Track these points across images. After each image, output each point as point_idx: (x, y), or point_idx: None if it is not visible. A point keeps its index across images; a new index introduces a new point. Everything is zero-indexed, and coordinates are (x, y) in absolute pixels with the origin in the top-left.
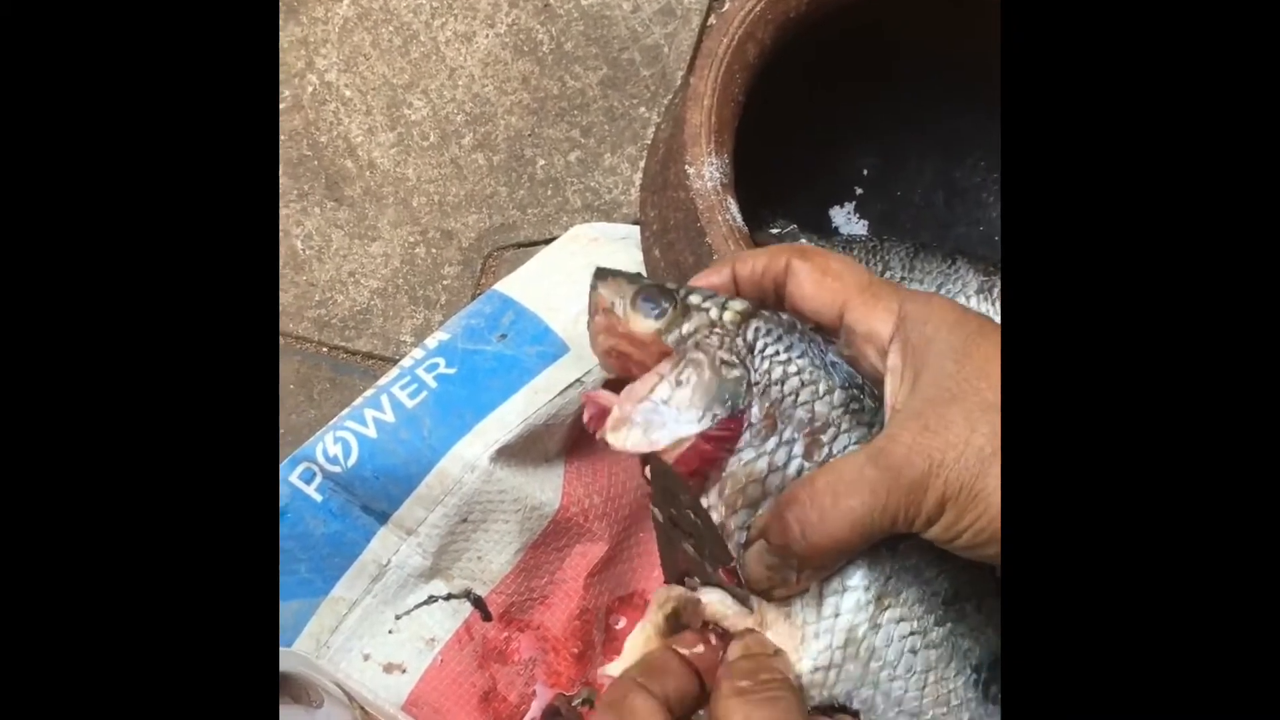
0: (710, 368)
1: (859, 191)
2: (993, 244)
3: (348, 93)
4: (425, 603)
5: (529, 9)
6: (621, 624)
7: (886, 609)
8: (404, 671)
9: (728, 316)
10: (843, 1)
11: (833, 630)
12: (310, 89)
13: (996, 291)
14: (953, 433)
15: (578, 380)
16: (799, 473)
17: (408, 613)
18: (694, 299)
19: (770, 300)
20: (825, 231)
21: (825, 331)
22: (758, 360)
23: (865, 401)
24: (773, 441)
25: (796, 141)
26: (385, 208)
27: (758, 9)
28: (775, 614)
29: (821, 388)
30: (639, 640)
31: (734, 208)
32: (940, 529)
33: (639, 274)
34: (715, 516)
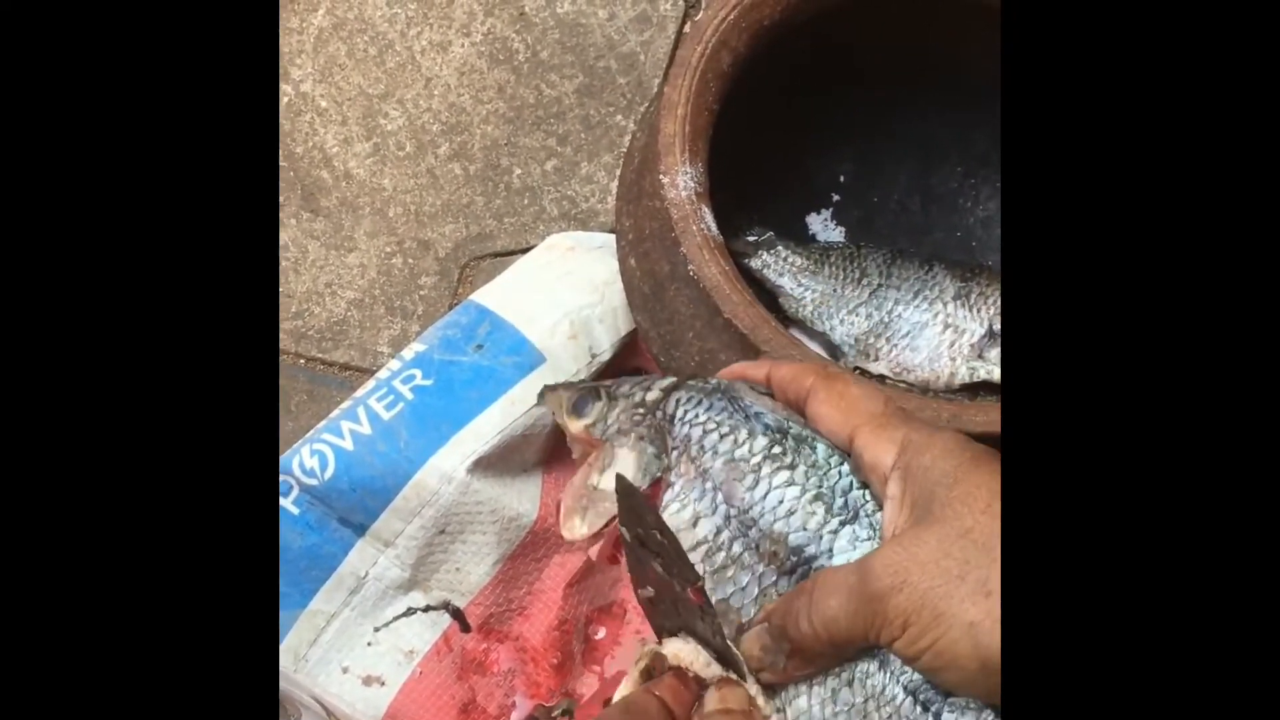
0: (629, 447)
1: (836, 198)
2: (969, 249)
3: (323, 103)
4: (404, 615)
5: (504, 18)
6: (601, 634)
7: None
8: (383, 684)
9: (651, 396)
10: (817, 9)
11: (806, 710)
12: (286, 99)
13: (974, 297)
14: (924, 552)
15: None
16: (725, 518)
17: (386, 625)
18: (623, 389)
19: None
20: (802, 238)
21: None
22: (677, 427)
23: (787, 443)
24: (696, 492)
25: (773, 148)
26: (361, 218)
27: (731, 17)
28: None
29: (741, 436)
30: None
31: (709, 217)
32: (903, 644)
33: (581, 382)
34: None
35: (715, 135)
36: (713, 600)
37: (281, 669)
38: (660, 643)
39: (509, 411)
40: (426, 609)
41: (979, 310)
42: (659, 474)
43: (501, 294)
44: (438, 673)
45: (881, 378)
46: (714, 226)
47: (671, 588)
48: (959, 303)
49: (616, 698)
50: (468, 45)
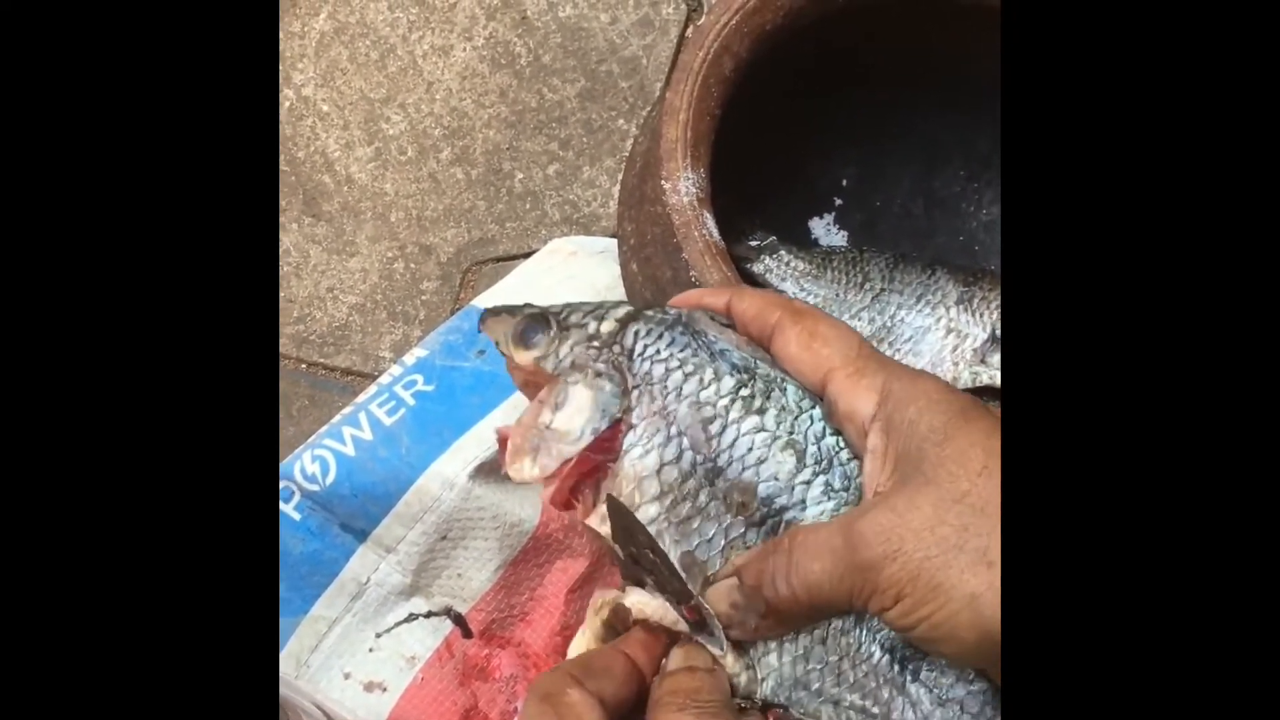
0: (585, 384)
1: (838, 202)
2: (972, 253)
3: (325, 107)
4: (405, 620)
5: (506, 22)
6: None
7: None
8: (384, 690)
9: (605, 327)
10: (819, 14)
11: (776, 669)
12: (287, 104)
13: (977, 301)
14: (918, 519)
15: None
16: (691, 465)
17: (388, 631)
18: (574, 317)
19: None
20: (804, 243)
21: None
22: (636, 363)
23: (756, 385)
24: (660, 436)
25: (775, 152)
26: (363, 223)
27: (733, 22)
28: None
29: (707, 376)
30: (580, 647)
31: (711, 222)
32: (896, 615)
33: (525, 304)
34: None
35: (717, 140)
36: (677, 552)
37: (283, 675)
38: (623, 590)
39: (511, 417)
40: (428, 615)
41: (982, 315)
42: (619, 415)
43: (504, 299)
44: (439, 679)
45: None
46: (716, 232)
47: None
48: (962, 307)
49: (573, 650)
50: (469, 49)
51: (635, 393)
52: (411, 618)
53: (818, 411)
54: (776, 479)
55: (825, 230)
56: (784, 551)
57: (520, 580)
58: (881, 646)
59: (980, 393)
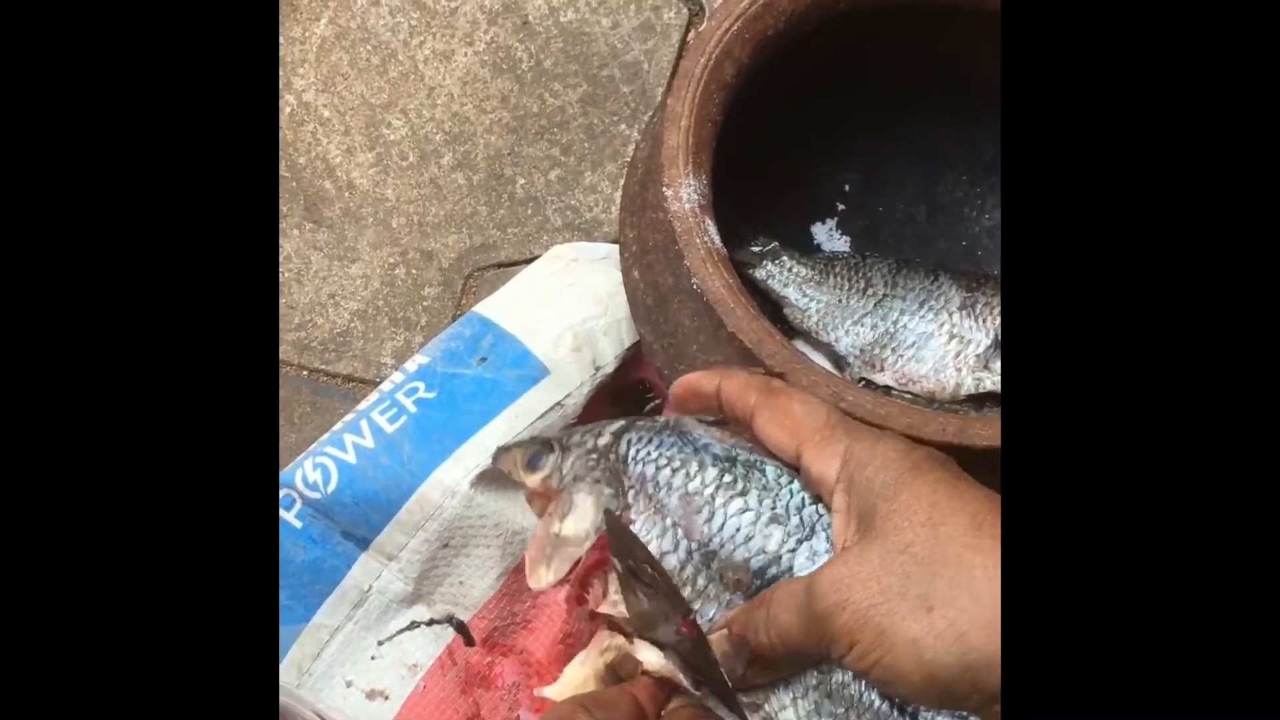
0: (587, 493)
1: (840, 207)
2: (975, 258)
3: (326, 113)
4: (407, 628)
5: (508, 26)
6: None
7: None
8: (386, 698)
9: (603, 441)
10: (821, 19)
11: (793, 708)
12: (288, 109)
13: (979, 307)
14: (865, 570)
15: (558, 403)
16: (688, 552)
17: (390, 638)
18: (574, 438)
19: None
20: (807, 249)
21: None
22: (631, 467)
23: (737, 470)
24: (657, 529)
25: (777, 158)
26: (365, 229)
27: (735, 28)
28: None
29: (693, 469)
30: (577, 673)
31: (712, 229)
32: (852, 659)
33: (533, 439)
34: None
35: (719, 146)
36: None
37: (284, 684)
38: (632, 642)
39: (512, 425)
40: (430, 623)
41: (984, 320)
42: (619, 513)
43: (505, 306)
44: (441, 686)
45: (887, 389)
46: (717, 239)
47: (660, 620)
48: (964, 313)
49: (569, 672)
50: (471, 54)
51: (631, 493)
52: (413, 625)
53: (796, 485)
54: (765, 551)
55: (827, 236)
56: (764, 605)
57: (522, 588)
58: (880, 695)
59: (983, 399)
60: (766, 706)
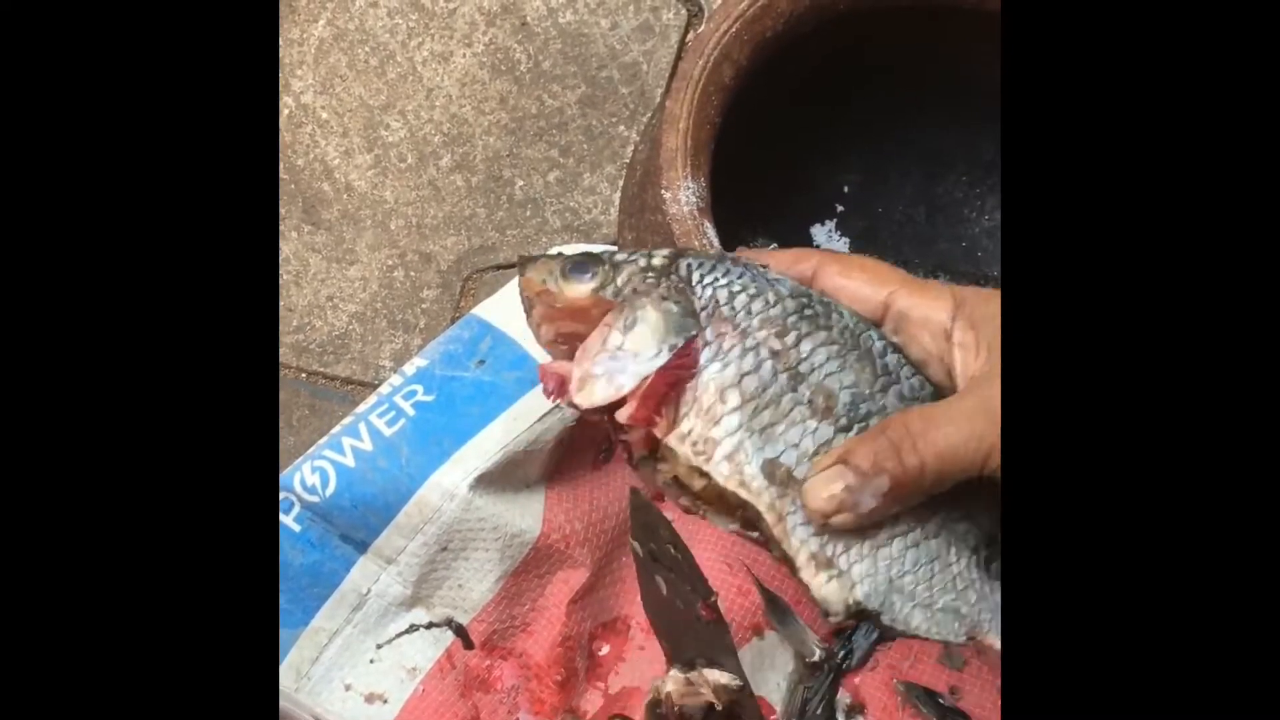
0: (654, 306)
1: (840, 209)
2: (975, 259)
3: (324, 115)
4: (406, 631)
5: (506, 28)
6: (605, 650)
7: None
8: (385, 701)
9: (657, 261)
10: (820, 20)
11: (871, 574)
12: (286, 111)
13: None
14: None
15: (557, 406)
16: (772, 373)
17: (389, 642)
18: (620, 256)
19: None
20: None
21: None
22: (698, 289)
23: (816, 307)
24: (737, 349)
25: (776, 159)
26: (363, 231)
27: (733, 30)
28: (806, 551)
29: (770, 298)
30: None
31: (711, 231)
32: None
33: (559, 253)
34: (698, 430)
35: (718, 148)
36: (762, 459)
37: (283, 688)
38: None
39: (511, 427)
40: (429, 626)
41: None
42: (694, 332)
43: (503, 308)
44: (441, 690)
45: None
46: (716, 241)
47: (678, 605)
48: None
49: None
50: (469, 56)
51: (703, 313)
52: (412, 629)
53: (874, 332)
54: (856, 385)
55: (827, 237)
56: (898, 428)
57: (521, 591)
58: (967, 548)
59: None
60: (840, 560)
